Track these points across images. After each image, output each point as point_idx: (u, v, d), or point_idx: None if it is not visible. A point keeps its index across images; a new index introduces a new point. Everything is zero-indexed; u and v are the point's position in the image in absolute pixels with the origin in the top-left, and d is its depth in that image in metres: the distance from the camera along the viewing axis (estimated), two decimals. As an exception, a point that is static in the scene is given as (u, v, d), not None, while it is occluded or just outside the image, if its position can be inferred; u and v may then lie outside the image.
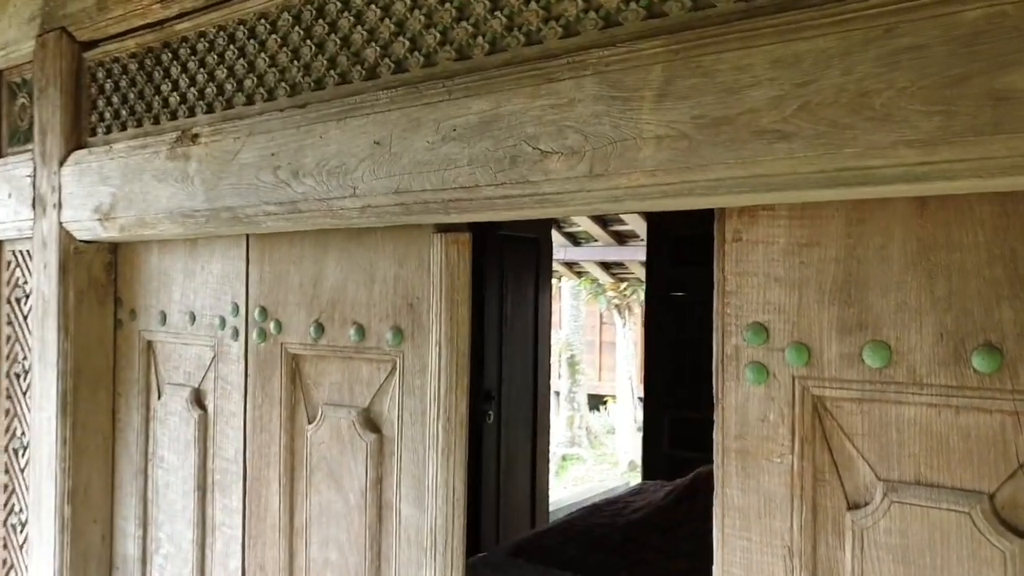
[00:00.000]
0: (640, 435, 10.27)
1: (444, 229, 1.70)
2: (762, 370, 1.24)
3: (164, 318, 2.31)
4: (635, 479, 8.16)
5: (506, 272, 4.80)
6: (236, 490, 2.10)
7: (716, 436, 1.30)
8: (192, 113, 2.05)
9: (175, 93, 2.10)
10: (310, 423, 1.95)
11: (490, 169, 1.40)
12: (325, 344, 1.91)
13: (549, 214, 1.39)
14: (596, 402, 12.44)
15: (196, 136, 1.98)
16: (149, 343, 2.37)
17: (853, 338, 1.16)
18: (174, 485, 2.29)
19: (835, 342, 1.18)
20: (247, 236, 2.08)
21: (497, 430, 4.67)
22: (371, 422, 1.85)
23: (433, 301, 1.71)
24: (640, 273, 7.53)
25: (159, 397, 2.34)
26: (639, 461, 9.78)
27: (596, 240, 6.87)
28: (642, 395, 10.87)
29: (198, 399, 2.23)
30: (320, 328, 1.91)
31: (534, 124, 1.34)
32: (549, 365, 5.26)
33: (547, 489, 5.26)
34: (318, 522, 1.92)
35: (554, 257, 5.75)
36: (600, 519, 3.31)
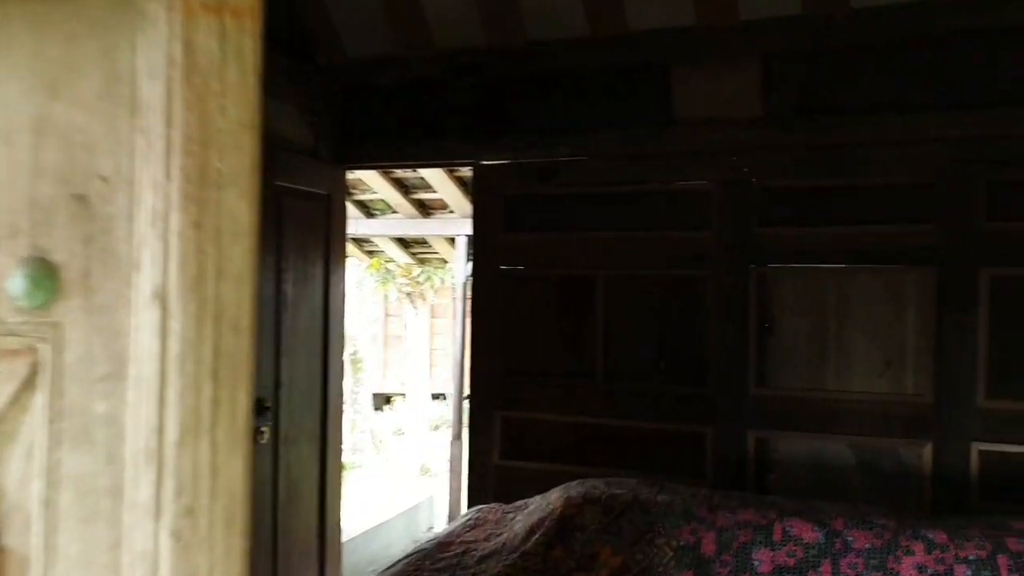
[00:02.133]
0: (436, 434, 9.38)
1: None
2: None
3: None
4: (432, 483, 7.23)
5: (285, 239, 3.59)
6: None
7: None
8: None
9: None
10: None
11: None
12: None
13: None
14: (380, 402, 11.32)
15: None
16: None
17: None
18: None
19: None
20: None
21: (273, 451, 3.47)
22: (-32, 519, 0.69)
23: (142, 180, 0.61)
24: (445, 252, 6.52)
25: None
26: (431, 464, 8.88)
27: (395, 211, 5.75)
28: (436, 391, 9.98)
29: None
30: None
31: None
32: (342, 362, 4.14)
33: (339, 519, 4.15)
34: None
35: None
36: (438, 574, 2.30)
